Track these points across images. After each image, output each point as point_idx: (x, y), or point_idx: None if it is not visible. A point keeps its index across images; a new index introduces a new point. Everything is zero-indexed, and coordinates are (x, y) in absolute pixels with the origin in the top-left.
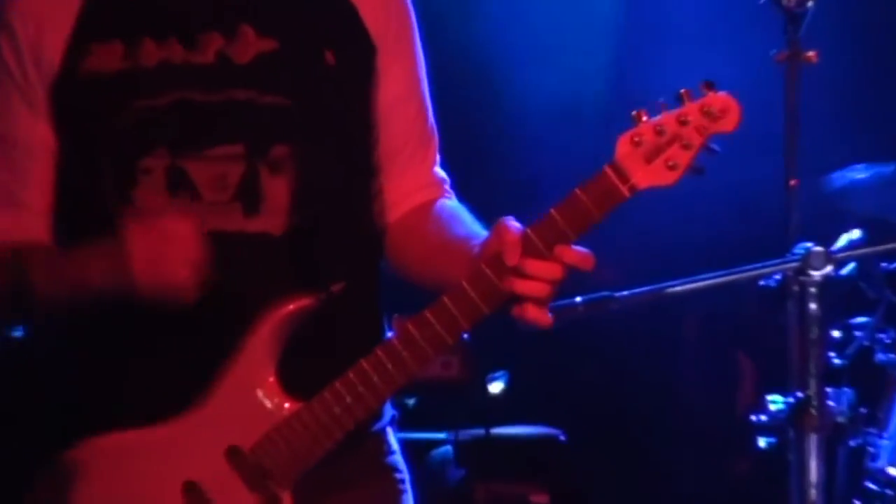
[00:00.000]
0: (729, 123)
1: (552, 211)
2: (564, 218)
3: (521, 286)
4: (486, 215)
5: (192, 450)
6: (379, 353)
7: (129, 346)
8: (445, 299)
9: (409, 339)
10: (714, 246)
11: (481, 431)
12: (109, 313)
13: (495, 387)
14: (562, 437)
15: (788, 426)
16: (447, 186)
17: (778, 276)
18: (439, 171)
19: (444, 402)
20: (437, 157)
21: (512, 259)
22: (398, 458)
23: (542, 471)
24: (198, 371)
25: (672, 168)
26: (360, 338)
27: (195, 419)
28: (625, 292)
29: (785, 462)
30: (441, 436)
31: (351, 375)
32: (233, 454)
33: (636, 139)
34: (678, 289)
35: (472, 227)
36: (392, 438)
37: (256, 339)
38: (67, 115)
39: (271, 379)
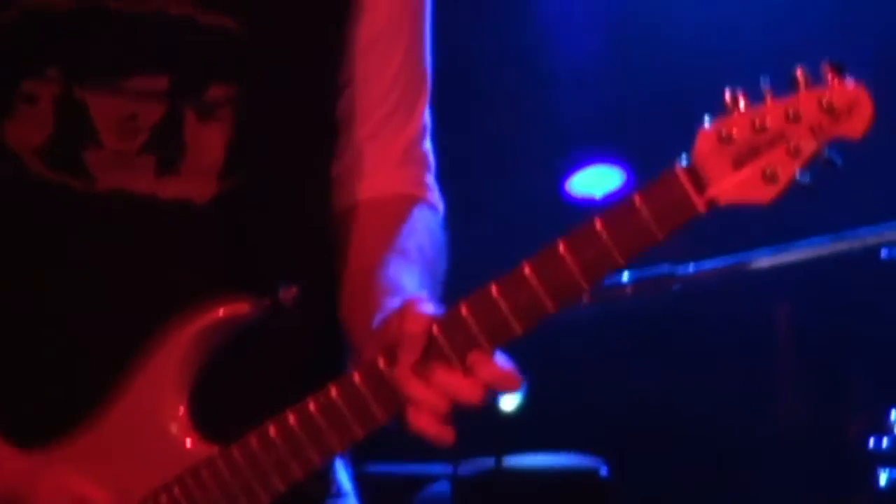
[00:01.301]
0: (856, 126)
1: (598, 221)
2: (610, 236)
3: (414, 390)
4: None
5: (75, 486)
6: (332, 391)
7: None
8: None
9: (376, 376)
10: (815, 203)
11: (490, 462)
12: None
13: (508, 401)
14: (603, 471)
15: None
16: (429, 180)
17: None
18: (424, 149)
19: None
20: (426, 127)
21: (405, 358)
22: (350, 502)
23: None
24: (81, 389)
25: (770, 180)
26: (312, 365)
27: (82, 447)
28: (690, 267)
29: None
30: (434, 469)
31: (290, 418)
32: (120, 500)
33: (725, 133)
34: (765, 262)
35: (411, 279)
36: (342, 476)
37: (166, 355)
38: None
39: (181, 410)
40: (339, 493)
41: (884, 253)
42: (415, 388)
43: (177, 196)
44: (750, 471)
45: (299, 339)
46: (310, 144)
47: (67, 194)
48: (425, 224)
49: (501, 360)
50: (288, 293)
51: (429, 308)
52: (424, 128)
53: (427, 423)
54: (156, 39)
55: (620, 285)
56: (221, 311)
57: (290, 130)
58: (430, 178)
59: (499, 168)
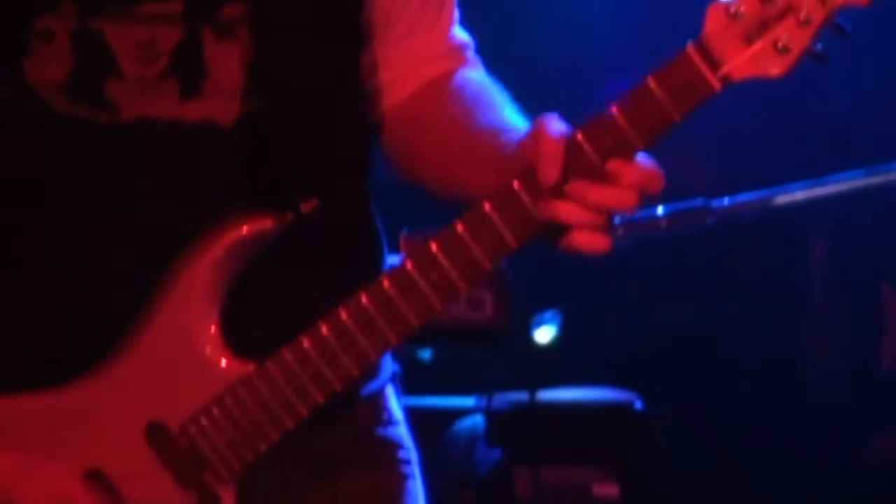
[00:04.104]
0: None
1: (612, 108)
2: (629, 118)
3: (565, 212)
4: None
5: (100, 425)
6: (363, 299)
7: (21, 282)
8: (459, 227)
9: (408, 283)
10: (848, 134)
11: (524, 396)
12: None
13: (543, 333)
14: (637, 404)
15: None
16: (470, 53)
17: None
18: (458, 34)
19: (473, 355)
20: (455, 16)
21: (548, 177)
22: (401, 431)
23: (611, 452)
24: (113, 316)
25: (782, 52)
26: (340, 277)
27: (106, 383)
28: (724, 200)
29: None
30: (468, 402)
31: (323, 329)
32: (155, 433)
33: (734, 10)
34: (798, 196)
35: (504, 113)
36: (393, 403)
37: (194, 274)
38: None
39: (213, 329)
40: (391, 421)
41: None
42: (561, 209)
43: (202, 118)
44: (783, 405)
45: (326, 251)
46: (332, 56)
47: (93, 127)
48: (480, 76)
49: (644, 160)
50: (308, 205)
51: (559, 124)
52: (454, 15)
53: (579, 237)
54: None
55: (655, 218)
56: (245, 229)
57: (309, 44)
58: (472, 54)
59: None
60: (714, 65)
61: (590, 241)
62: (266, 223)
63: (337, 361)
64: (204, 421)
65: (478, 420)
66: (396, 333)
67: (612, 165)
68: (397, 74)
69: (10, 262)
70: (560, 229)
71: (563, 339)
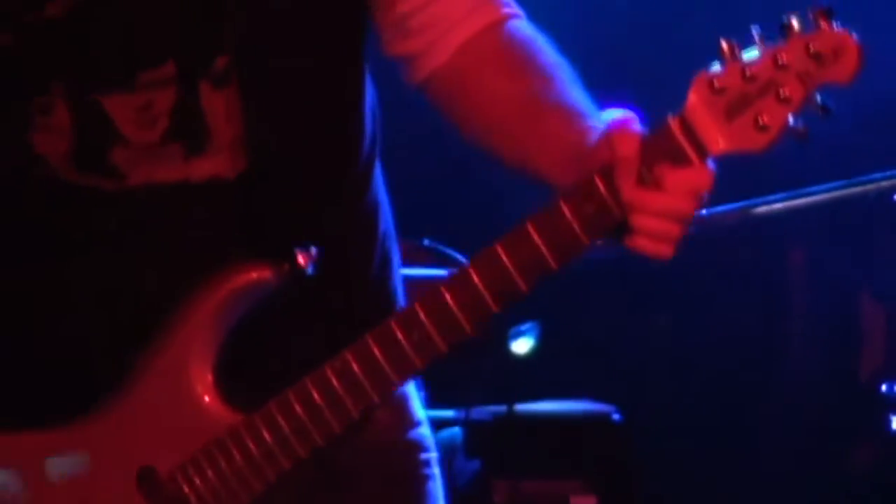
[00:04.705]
0: (843, 71)
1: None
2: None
3: (638, 220)
4: None
5: (94, 466)
6: (348, 356)
7: (28, 323)
8: (444, 292)
9: (391, 342)
10: (829, 146)
11: (502, 408)
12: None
13: (521, 345)
14: (615, 416)
15: None
16: (511, 2)
17: None
18: None
19: (451, 366)
20: None
21: (625, 181)
22: (423, 431)
23: (589, 463)
24: (114, 359)
25: (762, 130)
26: (340, 327)
27: (103, 424)
28: (703, 211)
29: None
30: (446, 414)
31: (309, 385)
32: (145, 478)
33: (717, 84)
34: (778, 206)
35: (575, 88)
36: (415, 403)
37: (193, 322)
38: None
39: (207, 377)
40: (413, 423)
41: None
42: (636, 216)
43: (207, 175)
44: (762, 416)
45: (325, 302)
46: (331, 87)
47: (99, 194)
48: (531, 31)
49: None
50: (306, 257)
51: (637, 127)
52: None
53: (642, 243)
54: (150, 27)
55: None
56: (242, 279)
57: (305, 82)
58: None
59: None
60: (693, 138)
61: (649, 247)
62: (264, 273)
63: (321, 417)
64: (191, 469)
65: (456, 431)
66: (379, 392)
67: (659, 172)
68: (438, 33)
69: (20, 316)
70: (624, 229)
71: (541, 350)
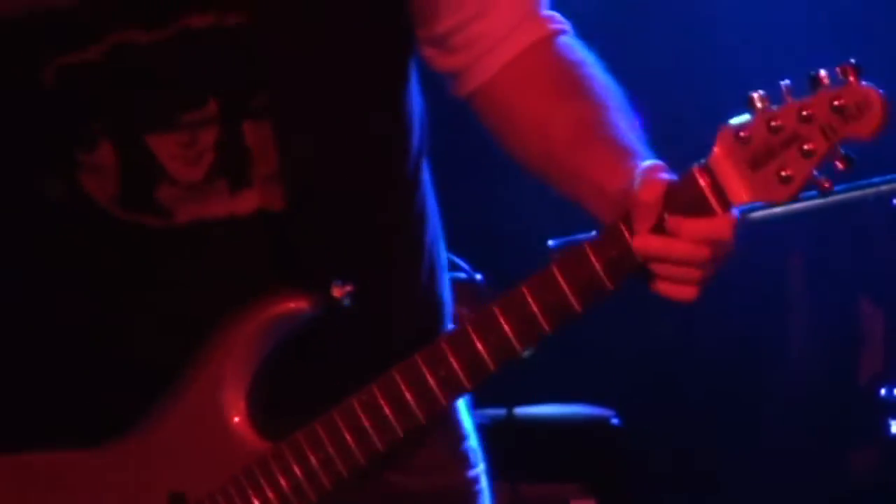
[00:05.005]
0: (866, 127)
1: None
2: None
3: (656, 266)
4: None
5: (125, 490)
6: (374, 390)
7: (75, 352)
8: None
9: (416, 378)
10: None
11: (501, 412)
12: (55, 301)
13: None
14: (614, 420)
15: None
16: (546, 13)
17: None
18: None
19: None
20: None
21: (640, 227)
22: (472, 444)
23: (588, 467)
24: (156, 387)
25: (785, 181)
26: (375, 358)
27: (137, 448)
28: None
29: None
30: None
31: (336, 418)
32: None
33: (743, 135)
34: (777, 210)
35: (626, 118)
36: (463, 416)
37: (229, 348)
38: None
39: (241, 405)
40: (464, 436)
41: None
42: (656, 265)
43: (254, 208)
44: (761, 420)
45: (357, 337)
46: (372, 115)
47: (145, 232)
48: (579, 53)
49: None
50: (342, 290)
51: (664, 176)
52: None
53: (664, 287)
54: (190, 69)
55: None
56: (278, 308)
57: (345, 111)
58: (548, 11)
59: None
60: (717, 188)
61: (671, 291)
62: (301, 303)
63: (347, 450)
64: (220, 499)
65: None
66: (404, 427)
67: (682, 220)
68: (470, 60)
69: (66, 345)
70: (646, 273)
71: (540, 354)
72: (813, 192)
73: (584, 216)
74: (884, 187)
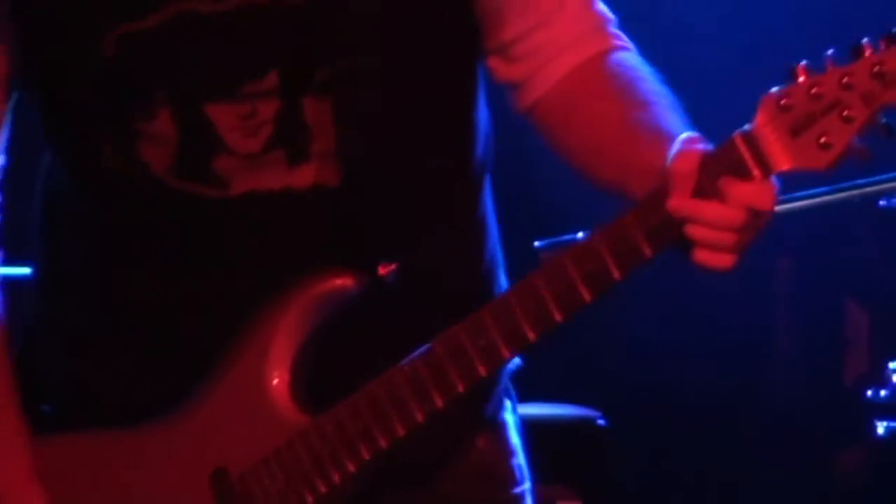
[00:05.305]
0: None
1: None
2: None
3: (692, 230)
4: None
5: (174, 467)
6: (415, 359)
7: (128, 325)
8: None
9: (456, 348)
10: None
11: None
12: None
13: None
14: (600, 421)
15: None
16: (615, 29)
17: None
18: (600, 8)
19: None
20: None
21: (676, 198)
22: (521, 461)
23: (574, 468)
24: (207, 362)
25: (825, 147)
26: (419, 335)
27: (183, 426)
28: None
29: None
30: None
31: (375, 386)
32: (218, 479)
33: (784, 102)
34: None
35: (673, 114)
36: (513, 430)
37: (273, 324)
38: (28, 52)
39: (283, 380)
40: (513, 451)
41: (882, 202)
42: (690, 226)
43: (311, 182)
44: (747, 422)
45: (404, 317)
46: (433, 96)
47: (202, 202)
48: (634, 61)
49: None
50: (387, 268)
51: (699, 145)
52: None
53: (701, 255)
54: (253, 40)
55: None
56: (324, 284)
57: (407, 91)
58: (613, 28)
59: None
60: (758, 154)
61: (708, 258)
62: (347, 281)
63: (387, 419)
64: (261, 471)
65: None
66: (443, 397)
67: (721, 184)
68: (530, 70)
69: (114, 313)
70: (685, 244)
71: (527, 355)
72: (800, 193)
73: (569, 217)
74: (870, 189)
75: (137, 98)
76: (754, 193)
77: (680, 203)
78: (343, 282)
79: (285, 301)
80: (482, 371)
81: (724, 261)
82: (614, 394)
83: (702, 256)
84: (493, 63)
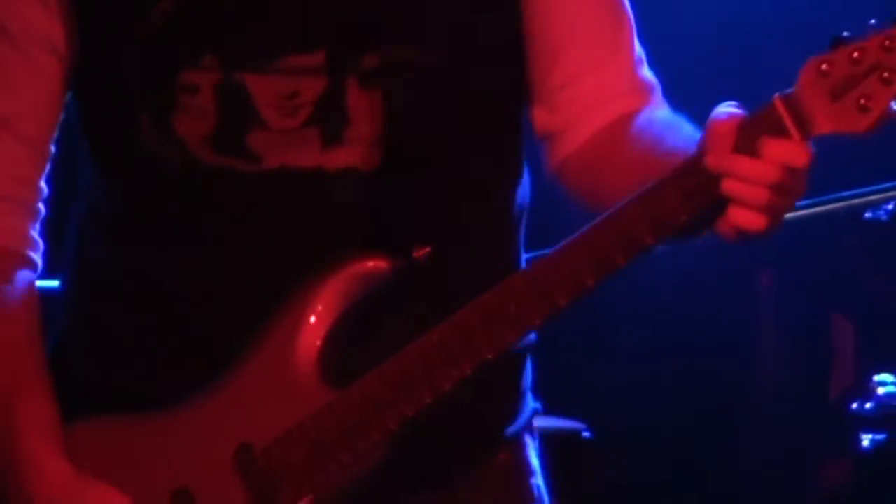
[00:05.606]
0: None
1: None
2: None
3: (728, 184)
4: None
5: (199, 445)
6: (444, 325)
7: (153, 311)
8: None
9: (490, 312)
10: None
11: None
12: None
13: None
14: (586, 433)
15: None
16: (656, 95)
17: (890, 206)
18: (642, 74)
19: None
20: (637, 54)
21: (714, 154)
22: (539, 482)
23: (559, 480)
24: (235, 340)
25: (863, 110)
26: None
27: (210, 405)
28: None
29: None
30: None
31: (403, 356)
32: (242, 454)
33: (825, 67)
34: None
35: (690, 134)
36: (532, 451)
37: (306, 303)
38: (84, 10)
39: (312, 357)
40: (532, 471)
41: (867, 214)
42: (727, 182)
43: (343, 165)
44: (733, 434)
45: (439, 295)
46: (480, 99)
47: (234, 176)
48: (669, 114)
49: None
50: (420, 253)
51: (737, 110)
52: (636, 50)
53: (737, 214)
54: (305, 15)
55: None
56: (359, 266)
57: (453, 88)
58: (659, 96)
59: None
60: (797, 116)
61: (742, 218)
62: (381, 264)
63: (411, 388)
64: (286, 443)
65: None
66: (472, 364)
67: (759, 143)
68: (569, 120)
69: (147, 295)
70: (714, 214)
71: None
72: None
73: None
74: (855, 201)
75: (186, 60)
76: (790, 151)
77: (717, 159)
78: (377, 263)
79: (320, 279)
80: (511, 338)
81: (757, 221)
82: (600, 406)
83: (735, 215)
84: (536, 112)
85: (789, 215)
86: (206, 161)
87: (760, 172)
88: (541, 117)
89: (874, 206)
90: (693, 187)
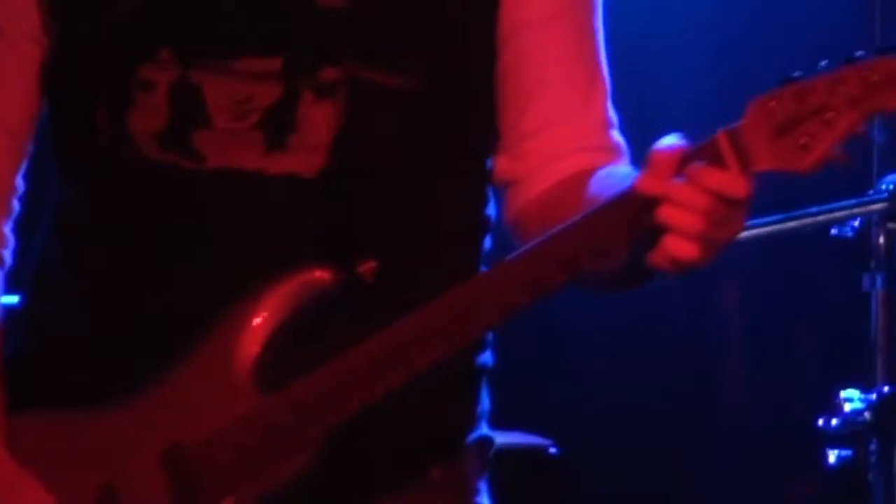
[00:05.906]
0: (890, 99)
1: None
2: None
3: (663, 210)
4: None
5: (129, 442)
6: (377, 339)
7: (104, 299)
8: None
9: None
10: (765, 180)
11: None
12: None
13: None
14: (552, 450)
15: (870, 433)
16: (625, 158)
17: (856, 223)
18: (616, 137)
19: None
20: (608, 116)
21: (653, 177)
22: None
23: (525, 497)
24: (169, 348)
25: (804, 149)
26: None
27: (143, 403)
28: (741, 225)
29: (864, 483)
30: None
31: (335, 365)
32: (169, 453)
33: (773, 104)
34: None
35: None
36: (478, 477)
37: (247, 308)
38: (55, 2)
39: (248, 362)
40: (479, 491)
41: (833, 231)
42: (662, 209)
43: (285, 171)
44: (699, 452)
45: (379, 309)
46: (438, 125)
47: (177, 173)
48: (630, 170)
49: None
50: (366, 267)
51: (678, 140)
52: (607, 108)
53: (670, 242)
54: (268, 20)
55: None
56: (302, 276)
57: (412, 111)
58: (622, 155)
59: None
60: (739, 150)
61: (674, 246)
62: (325, 275)
63: (337, 399)
64: (216, 444)
65: None
66: (400, 376)
67: (695, 169)
68: (533, 168)
69: (94, 293)
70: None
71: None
72: (752, 221)
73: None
74: (822, 217)
75: (144, 54)
76: (726, 180)
77: (652, 182)
78: (322, 274)
79: (266, 285)
80: (440, 352)
81: (690, 250)
82: (566, 422)
83: (669, 243)
84: (498, 160)
85: (757, 231)
86: (153, 158)
87: (692, 197)
88: (502, 165)
89: (840, 222)
90: (630, 213)
